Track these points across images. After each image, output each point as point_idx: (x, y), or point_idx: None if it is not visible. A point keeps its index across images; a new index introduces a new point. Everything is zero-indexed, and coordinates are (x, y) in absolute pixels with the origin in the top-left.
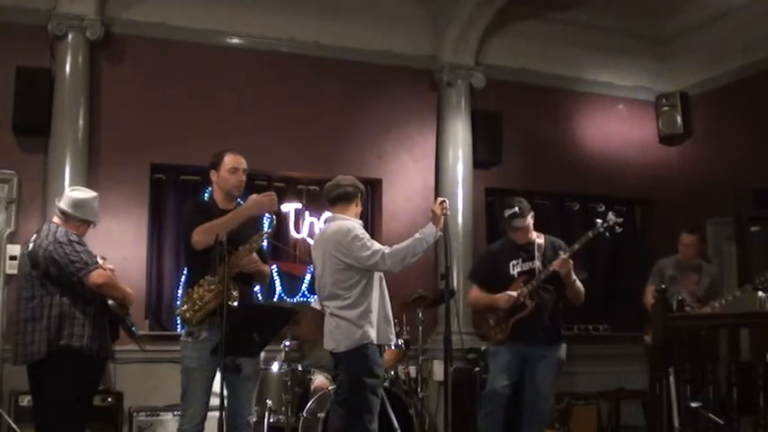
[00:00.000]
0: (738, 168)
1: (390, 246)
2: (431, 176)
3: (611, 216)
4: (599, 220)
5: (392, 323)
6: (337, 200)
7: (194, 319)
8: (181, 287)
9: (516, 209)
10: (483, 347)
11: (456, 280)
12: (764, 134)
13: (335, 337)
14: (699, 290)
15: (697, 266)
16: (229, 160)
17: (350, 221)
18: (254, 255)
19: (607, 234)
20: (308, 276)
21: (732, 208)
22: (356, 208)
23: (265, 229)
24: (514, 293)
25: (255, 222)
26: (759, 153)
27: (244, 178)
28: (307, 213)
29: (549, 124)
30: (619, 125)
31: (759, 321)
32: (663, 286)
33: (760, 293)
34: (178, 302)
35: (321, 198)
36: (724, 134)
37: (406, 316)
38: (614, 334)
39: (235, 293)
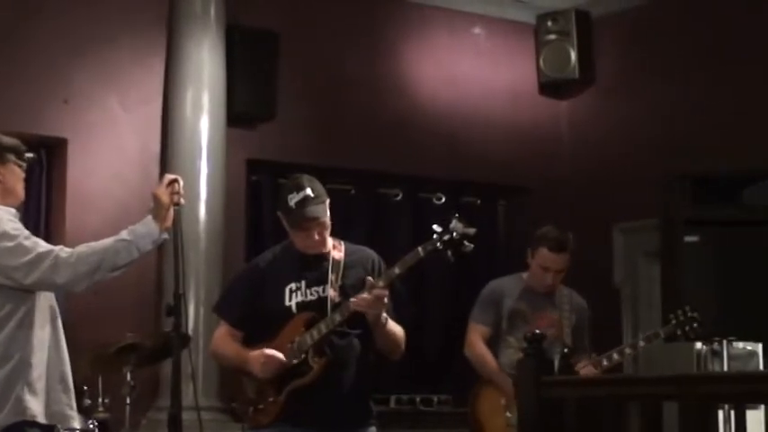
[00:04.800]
0: (668, 138)
1: (72, 248)
2: (155, 137)
3: (455, 224)
4: (437, 229)
5: (72, 390)
6: None
7: None
8: None
9: (308, 191)
10: None
11: (193, 317)
12: (711, 80)
13: None
14: (564, 334)
15: (558, 297)
16: None
17: None
18: None
19: (449, 253)
20: None
21: (656, 205)
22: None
23: None
24: (279, 356)
25: None
26: (701, 112)
27: None
28: None
29: (357, 56)
30: (473, 62)
31: (695, 392)
32: (538, 332)
33: (698, 345)
34: None
35: None
36: (646, 81)
37: (105, 379)
38: (458, 410)
39: None
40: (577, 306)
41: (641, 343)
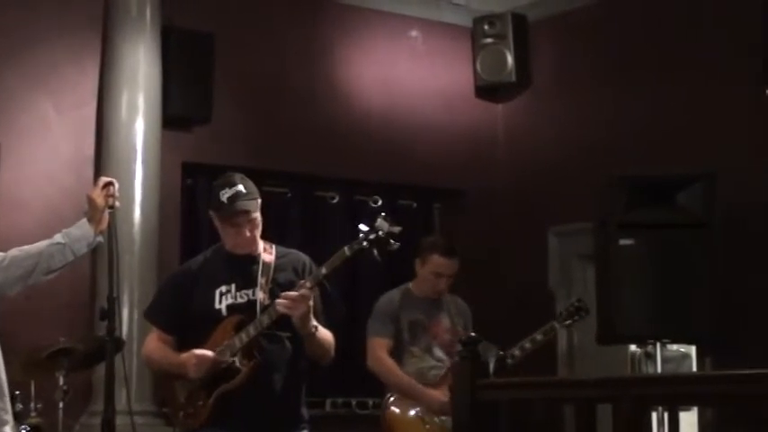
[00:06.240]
0: (603, 141)
1: (5, 251)
2: (89, 140)
3: (381, 223)
4: (363, 228)
5: (7, 395)
6: None
7: None
8: None
9: (240, 187)
10: None
11: (127, 321)
12: (646, 84)
13: None
14: (455, 339)
15: (445, 303)
16: None
17: None
18: None
19: (375, 252)
20: None
21: (591, 208)
22: None
23: None
24: (209, 354)
25: None
26: (636, 115)
27: None
28: None
29: (293, 58)
30: (410, 65)
31: (630, 394)
32: (473, 334)
33: (632, 347)
34: None
35: None
36: (582, 85)
37: (37, 384)
38: None
39: None
40: (463, 309)
41: (539, 337)
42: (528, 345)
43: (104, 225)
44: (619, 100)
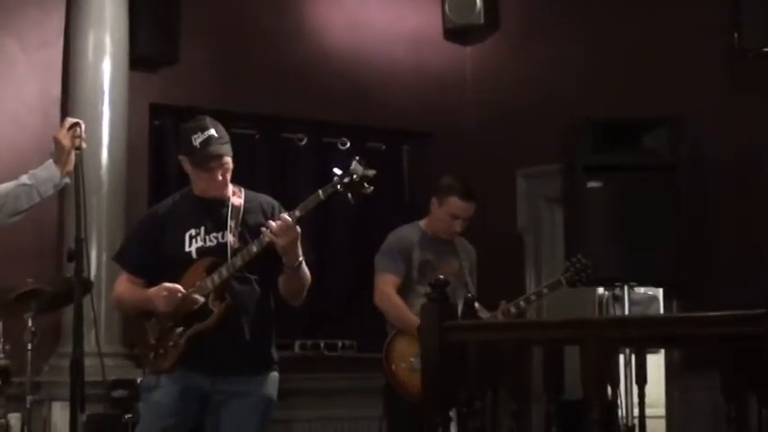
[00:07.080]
0: (571, 84)
1: None
2: (55, 81)
3: (355, 167)
4: (338, 172)
5: None
6: None
7: None
8: None
9: (212, 131)
10: (140, 379)
11: (95, 263)
12: (614, 26)
13: None
14: (467, 281)
15: (456, 245)
16: None
17: None
18: None
19: (349, 195)
20: None
21: (558, 150)
22: None
23: None
24: (179, 287)
25: None
26: (603, 58)
27: None
28: None
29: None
30: (379, 7)
31: (597, 336)
32: (442, 277)
33: (600, 290)
34: None
35: None
36: (551, 28)
37: (5, 325)
38: (362, 355)
39: None
40: (469, 251)
41: (545, 290)
42: (533, 297)
43: (71, 166)
44: (587, 42)
